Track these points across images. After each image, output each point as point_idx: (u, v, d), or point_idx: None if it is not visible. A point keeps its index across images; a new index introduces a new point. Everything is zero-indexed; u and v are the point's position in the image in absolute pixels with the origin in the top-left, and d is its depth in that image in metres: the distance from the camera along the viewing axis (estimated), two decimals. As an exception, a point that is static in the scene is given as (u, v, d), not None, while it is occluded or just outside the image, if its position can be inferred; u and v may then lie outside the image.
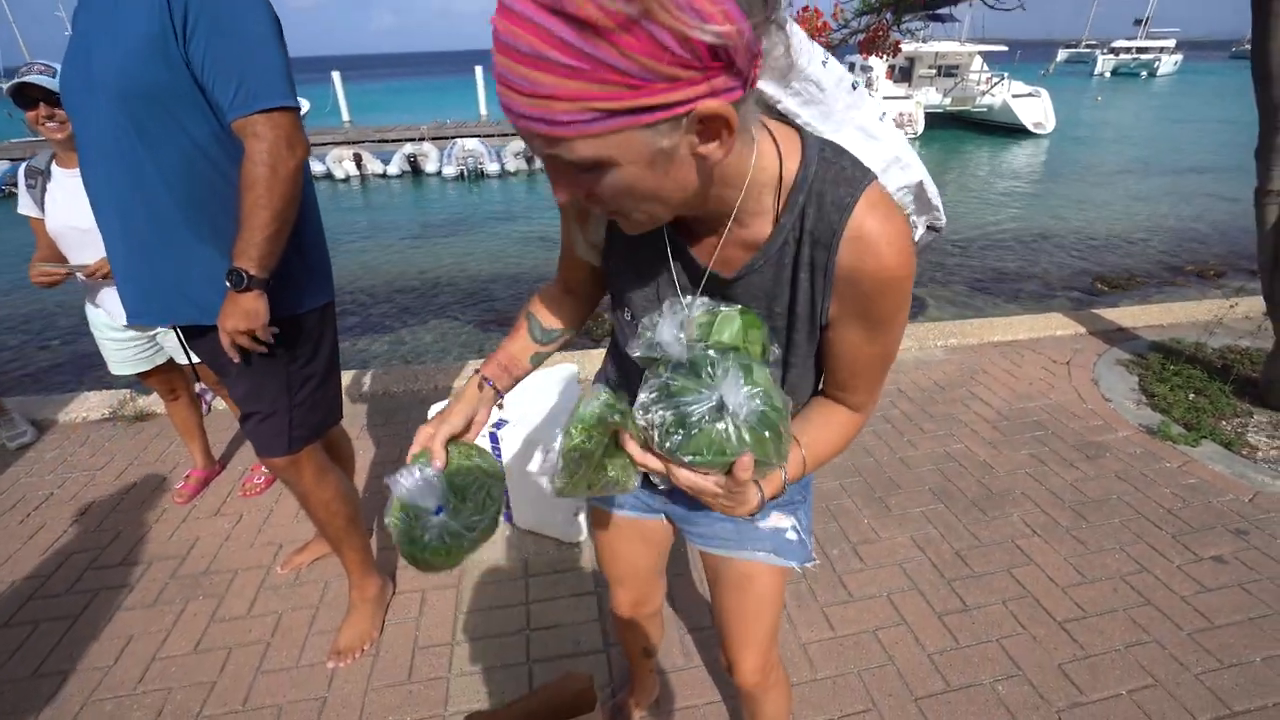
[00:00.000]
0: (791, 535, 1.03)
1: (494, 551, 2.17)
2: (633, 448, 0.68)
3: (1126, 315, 3.99)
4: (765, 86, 0.71)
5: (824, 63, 0.73)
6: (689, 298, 0.71)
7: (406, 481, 0.71)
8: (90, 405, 3.14)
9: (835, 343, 0.75)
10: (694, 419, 0.59)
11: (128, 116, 1.21)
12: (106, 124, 1.23)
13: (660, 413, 0.61)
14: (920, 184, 0.85)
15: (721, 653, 1.15)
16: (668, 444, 0.61)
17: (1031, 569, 2.07)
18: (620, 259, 0.82)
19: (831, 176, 0.66)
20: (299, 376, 1.53)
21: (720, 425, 0.59)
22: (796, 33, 0.68)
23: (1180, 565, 2.07)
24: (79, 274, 2.00)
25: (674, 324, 0.63)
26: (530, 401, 2.19)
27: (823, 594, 1.98)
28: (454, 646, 1.82)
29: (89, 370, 5.65)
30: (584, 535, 2.19)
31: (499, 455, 2.09)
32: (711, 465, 0.61)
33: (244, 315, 1.29)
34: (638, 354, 0.67)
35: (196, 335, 1.50)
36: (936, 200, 0.87)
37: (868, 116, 0.78)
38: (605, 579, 2.03)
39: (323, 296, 1.56)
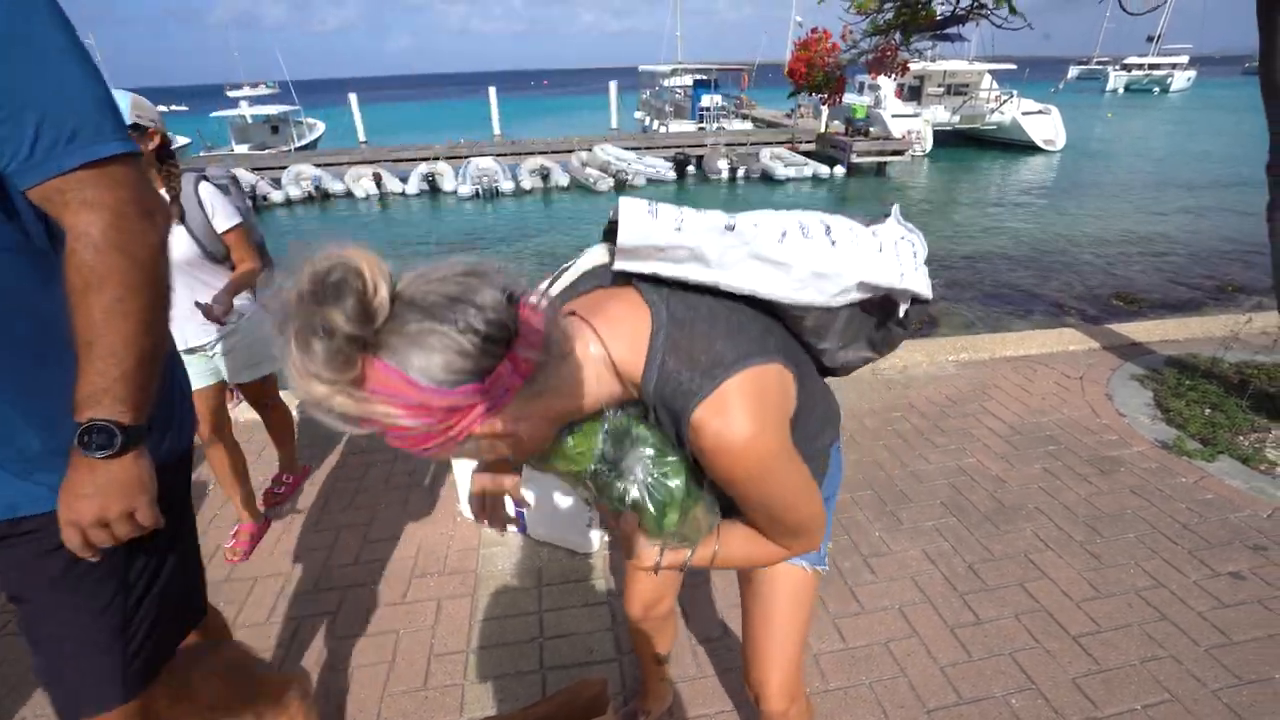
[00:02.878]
0: None
1: (508, 562, 2.20)
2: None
3: (1141, 330, 3.97)
4: (635, 266, 0.78)
5: (678, 227, 0.76)
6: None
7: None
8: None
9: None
10: (603, 475, 0.76)
11: None
12: None
13: (595, 465, 0.78)
14: (863, 283, 0.84)
15: (746, 679, 1.15)
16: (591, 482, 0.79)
17: (1045, 583, 2.06)
18: None
19: (670, 390, 0.72)
20: (148, 571, 0.97)
21: (618, 484, 0.76)
22: (636, 219, 0.75)
23: (1197, 581, 2.05)
24: None
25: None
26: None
27: (834, 605, 1.98)
28: (469, 654, 1.85)
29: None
30: (596, 546, 2.21)
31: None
32: (612, 509, 0.79)
33: (120, 492, 0.81)
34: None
35: None
36: (903, 283, 0.86)
37: (763, 246, 0.77)
38: (618, 590, 2.05)
39: (186, 435, 1.05)
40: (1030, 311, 7.32)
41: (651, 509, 0.75)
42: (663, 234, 0.75)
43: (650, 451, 0.75)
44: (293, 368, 0.52)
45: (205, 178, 1.99)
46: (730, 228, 0.77)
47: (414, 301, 0.55)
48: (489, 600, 2.04)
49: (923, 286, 0.88)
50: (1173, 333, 3.93)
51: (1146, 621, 1.91)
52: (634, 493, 0.75)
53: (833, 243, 0.80)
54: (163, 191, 1.83)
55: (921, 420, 3.05)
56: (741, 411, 0.70)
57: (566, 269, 0.90)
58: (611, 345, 0.73)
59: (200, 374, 2.10)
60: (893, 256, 0.85)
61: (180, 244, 1.91)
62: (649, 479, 0.75)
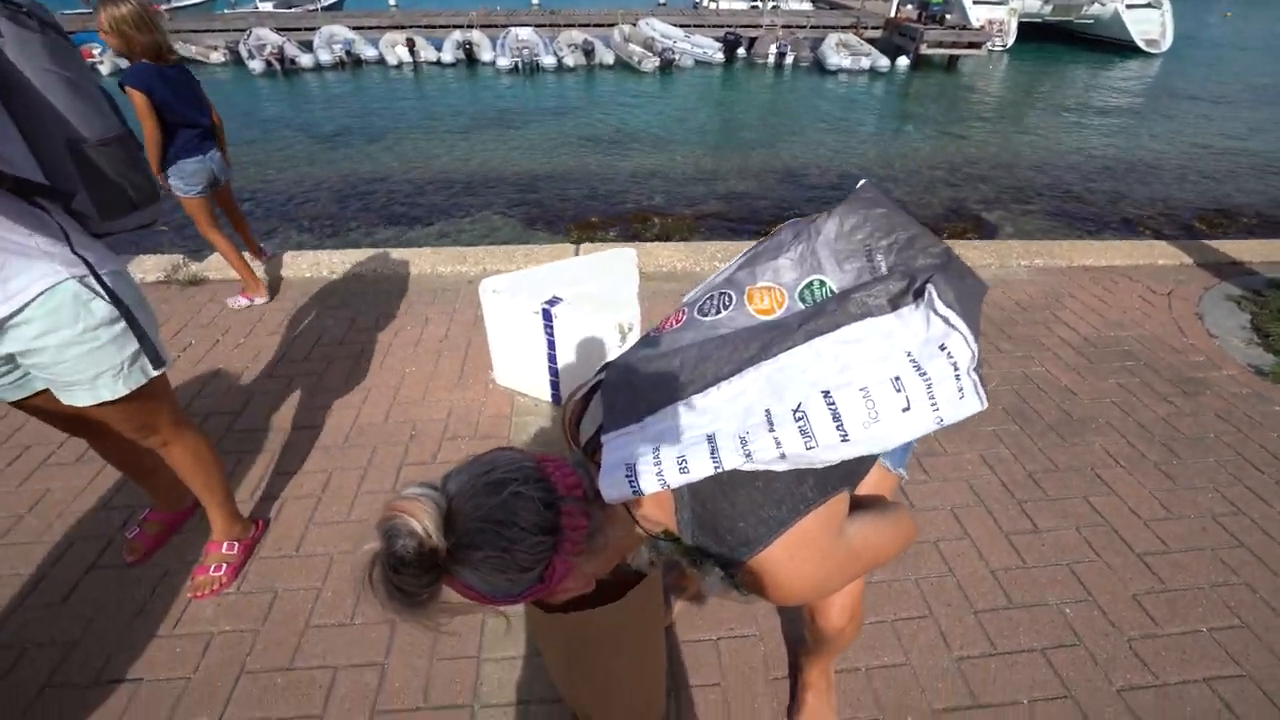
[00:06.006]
0: None
1: (542, 431, 2.13)
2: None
3: (1244, 249, 3.57)
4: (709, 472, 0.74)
5: (781, 455, 0.71)
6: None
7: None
8: (146, 268, 3.16)
9: None
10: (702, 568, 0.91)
11: None
12: None
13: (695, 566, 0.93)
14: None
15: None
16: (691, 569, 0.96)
17: (1112, 499, 1.92)
18: None
19: (710, 553, 0.79)
20: None
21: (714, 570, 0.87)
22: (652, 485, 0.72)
23: (1281, 510, 1.89)
24: None
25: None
26: (585, 281, 2.07)
27: (881, 503, 1.88)
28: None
29: (143, 235, 5.75)
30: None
31: (551, 332, 2.00)
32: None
33: None
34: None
35: None
36: (941, 426, 0.74)
37: (826, 455, 0.73)
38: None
39: None
40: (1104, 228, 6.74)
41: (732, 589, 0.92)
42: (756, 459, 0.73)
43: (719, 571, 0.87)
44: (389, 612, 0.63)
45: None
46: (783, 456, 0.72)
47: (469, 531, 0.65)
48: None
49: (966, 411, 0.73)
50: (1279, 253, 3.53)
51: (1221, 547, 1.78)
52: (718, 584, 0.92)
53: (844, 439, 0.71)
54: None
55: (987, 324, 2.81)
56: (775, 574, 0.75)
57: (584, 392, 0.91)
58: (645, 508, 0.79)
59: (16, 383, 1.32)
60: (923, 405, 0.72)
61: None
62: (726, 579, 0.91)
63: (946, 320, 0.73)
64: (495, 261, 3.20)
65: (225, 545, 1.64)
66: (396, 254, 3.28)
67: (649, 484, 0.71)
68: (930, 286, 0.74)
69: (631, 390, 0.81)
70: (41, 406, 1.36)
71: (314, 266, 3.19)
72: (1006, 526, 1.82)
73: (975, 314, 0.76)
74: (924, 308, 0.75)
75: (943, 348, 0.73)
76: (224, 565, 1.61)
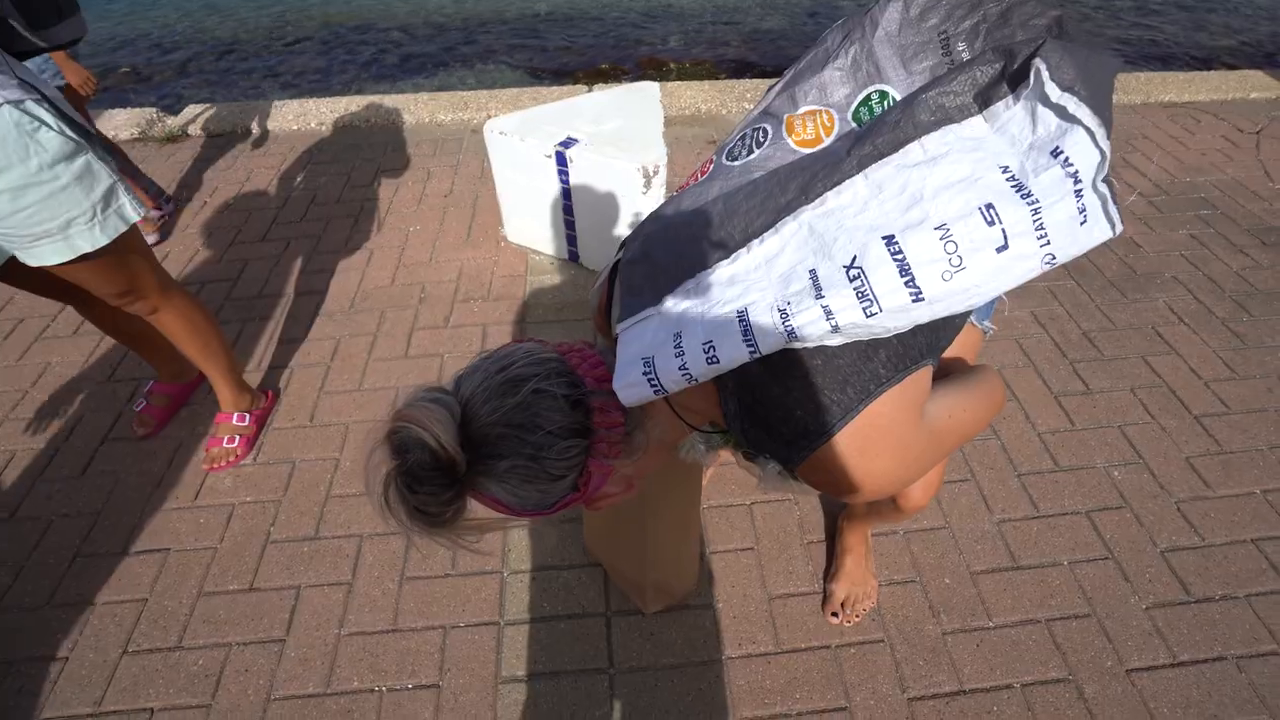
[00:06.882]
0: None
1: (558, 291, 1.99)
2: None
3: (1350, 76, 3.12)
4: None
5: (833, 327, 0.54)
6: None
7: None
8: (118, 124, 2.88)
9: None
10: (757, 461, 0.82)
11: None
12: None
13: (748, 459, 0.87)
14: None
15: None
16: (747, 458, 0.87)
17: (1171, 359, 1.79)
18: None
19: (764, 450, 0.68)
20: None
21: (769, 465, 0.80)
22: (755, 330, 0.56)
23: (1358, 371, 1.75)
24: None
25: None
26: (604, 120, 1.81)
27: (923, 365, 1.77)
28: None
29: (113, 87, 5.32)
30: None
31: (566, 179, 1.78)
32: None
33: None
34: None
35: None
36: (1055, 264, 0.55)
37: (893, 322, 0.55)
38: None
39: None
40: (1181, 61, 5.99)
41: (790, 482, 0.82)
42: (819, 339, 0.57)
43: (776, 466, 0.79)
44: (412, 533, 0.56)
45: None
46: (835, 329, 0.55)
47: (488, 439, 0.56)
48: (537, 328, 1.87)
49: (1089, 242, 0.53)
50: (1390, 83, 3.09)
51: (1286, 407, 1.66)
52: (774, 479, 0.83)
53: (917, 298, 0.54)
54: None
55: (1047, 171, 2.53)
56: (842, 471, 0.62)
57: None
58: (687, 398, 0.67)
59: None
60: (1027, 240, 0.52)
61: None
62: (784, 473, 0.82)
63: (1063, 110, 0.52)
64: (500, 107, 2.88)
65: (235, 416, 1.55)
66: (390, 102, 2.97)
67: (671, 380, 0.58)
68: (1039, 63, 0.53)
69: (650, 264, 0.66)
70: (21, 272, 1.21)
71: (300, 118, 2.90)
72: (1057, 388, 1.71)
73: (1105, 98, 0.54)
74: (1028, 98, 0.54)
75: (1056, 152, 0.52)
76: (237, 437, 1.54)
